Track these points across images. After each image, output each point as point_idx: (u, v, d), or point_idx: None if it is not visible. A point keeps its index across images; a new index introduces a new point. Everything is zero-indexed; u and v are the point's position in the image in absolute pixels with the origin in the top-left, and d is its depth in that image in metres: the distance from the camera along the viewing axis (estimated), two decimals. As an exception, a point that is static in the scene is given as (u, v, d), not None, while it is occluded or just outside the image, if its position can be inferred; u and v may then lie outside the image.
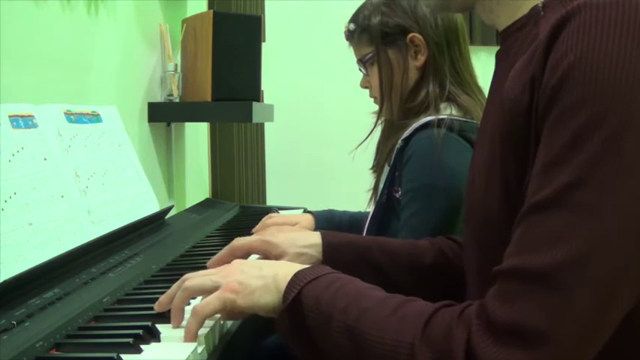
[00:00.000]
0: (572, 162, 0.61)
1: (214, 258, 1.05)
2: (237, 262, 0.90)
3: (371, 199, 1.44)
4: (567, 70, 0.63)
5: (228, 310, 0.81)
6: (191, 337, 0.78)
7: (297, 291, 0.77)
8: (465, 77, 1.36)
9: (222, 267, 0.88)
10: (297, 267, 0.82)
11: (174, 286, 0.86)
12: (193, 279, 0.84)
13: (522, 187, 0.69)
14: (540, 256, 0.61)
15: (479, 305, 0.65)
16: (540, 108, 0.66)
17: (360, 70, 1.44)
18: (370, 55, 1.38)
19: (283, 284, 0.79)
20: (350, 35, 1.42)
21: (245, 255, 1.07)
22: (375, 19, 1.36)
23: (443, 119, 1.26)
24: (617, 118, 0.60)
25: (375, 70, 1.38)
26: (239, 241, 1.07)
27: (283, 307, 0.77)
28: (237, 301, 0.80)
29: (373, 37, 1.36)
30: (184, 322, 0.81)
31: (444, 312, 0.68)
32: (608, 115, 0.60)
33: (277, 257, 1.05)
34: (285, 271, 0.81)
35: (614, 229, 0.60)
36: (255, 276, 0.82)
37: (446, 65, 1.34)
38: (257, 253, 1.08)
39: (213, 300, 0.80)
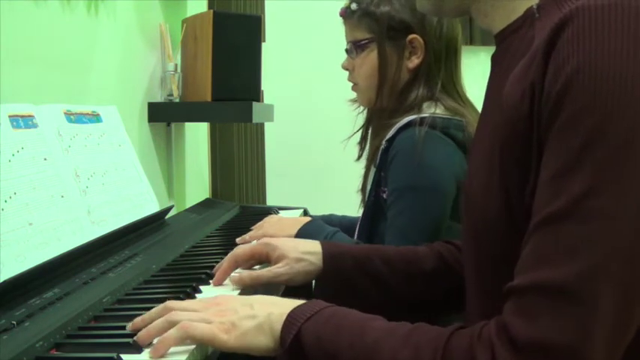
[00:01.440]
0: (582, 170, 0.61)
1: (219, 271, 1.03)
2: (226, 299, 0.84)
3: (362, 200, 1.45)
4: (570, 76, 0.62)
5: (215, 346, 0.78)
6: (164, 348, 0.74)
7: (295, 331, 0.74)
8: (455, 88, 1.35)
9: (210, 303, 0.82)
10: (291, 304, 0.79)
11: (155, 312, 0.80)
12: (181, 313, 0.78)
13: (524, 194, 0.68)
14: (559, 269, 0.60)
15: (497, 324, 0.64)
16: (544, 116, 0.65)
17: (346, 50, 1.42)
18: (366, 41, 1.36)
19: (278, 325, 0.76)
20: (348, 14, 1.39)
21: (248, 261, 1.07)
22: (384, 9, 1.34)
23: (425, 117, 1.26)
24: (625, 123, 0.60)
25: (362, 57, 1.37)
26: (240, 249, 1.06)
27: (283, 349, 0.75)
28: (229, 342, 0.76)
29: (376, 26, 1.34)
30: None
31: (460, 336, 0.66)
32: (615, 120, 0.60)
33: (277, 259, 1.04)
34: (279, 309, 0.78)
35: (630, 235, 0.60)
36: (247, 316, 0.78)
37: (439, 75, 1.33)
38: (259, 257, 1.07)
39: (204, 327, 0.76)
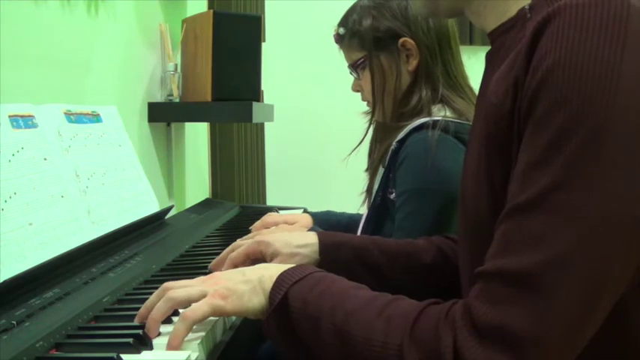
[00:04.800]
0: (552, 164, 0.62)
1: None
2: (218, 272, 0.88)
3: (365, 200, 1.44)
4: (547, 71, 0.63)
5: (217, 316, 0.82)
6: (178, 343, 0.76)
7: (283, 293, 0.77)
8: (457, 80, 1.35)
9: (204, 278, 0.86)
10: (281, 267, 0.82)
11: (154, 296, 0.83)
12: (178, 290, 0.81)
13: (507, 189, 0.69)
14: (522, 257, 0.62)
15: (463, 305, 0.65)
16: (522, 109, 0.66)
17: (351, 73, 1.43)
18: (362, 60, 1.37)
19: (269, 285, 0.79)
20: (340, 39, 1.41)
21: (245, 261, 1.06)
22: (366, 23, 1.34)
23: (437, 121, 1.26)
24: (595, 119, 0.61)
25: (366, 75, 1.37)
26: (234, 253, 1.06)
27: (270, 309, 0.77)
28: (226, 306, 0.79)
29: (365, 43, 1.35)
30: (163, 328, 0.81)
31: (431, 311, 0.68)
32: (587, 116, 0.61)
33: (271, 256, 1.04)
34: (269, 272, 0.81)
35: (594, 229, 0.61)
36: (241, 281, 0.81)
37: (438, 69, 1.33)
38: (254, 256, 1.06)
39: (202, 306, 0.78)
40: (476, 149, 0.77)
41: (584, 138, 0.61)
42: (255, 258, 1.07)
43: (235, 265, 1.05)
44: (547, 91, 0.63)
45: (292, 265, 0.82)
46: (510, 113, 0.68)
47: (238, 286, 0.81)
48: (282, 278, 0.79)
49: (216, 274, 0.86)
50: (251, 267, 0.87)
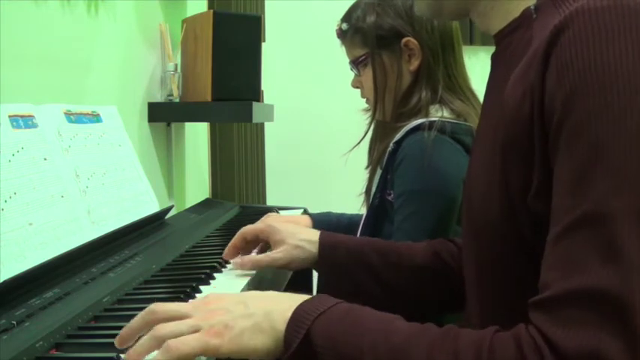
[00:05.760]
0: (600, 172, 0.60)
1: (229, 246, 1.14)
2: (216, 297, 0.75)
3: (364, 202, 1.44)
4: (575, 79, 0.62)
5: (208, 355, 0.70)
6: None
7: (304, 331, 0.68)
8: (458, 82, 1.35)
9: (199, 304, 0.74)
10: (294, 298, 0.73)
11: (140, 318, 0.72)
12: (167, 326, 0.69)
13: (527, 194, 0.68)
14: (593, 274, 0.59)
15: (540, 335, 0.60)
16: (553, 119, 0.65)
17: (351, 69, 1.43)
18: (363, 57, 1.36)
19: (281, 324, 0.70)
20: (342, 34, 1.41)
21: (254, 239, 1.15)
22: (369, 20, 1.34)
23: (434, 122, 1.26)
24: (636, 120, 0.60)
25: (367, 72, 1.37)
26: (247, 227, 1.15)
27: (291, 350, 0.68)
28: (223, 346, 0.69)
29: (367, 40, 1.35)
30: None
31: (503, 341, 0.62)
32: (627, 119, 0.60)
33: (276, 243, 1.10)
34: (279, 306, 0.71)
35: None
36: (241, 315, 0.71)
37: (439, 71, 1.33)
38: (262, 237, 1.14)
39: (192, 341, 0.67)
40: (486, 151, 0.76)
41: (629, 141, 0.60)
42: (262, 241, 1.15)
43: (244, 239, 1.13)
44: (580, 100, 0.62)
45: (303, 297, 0.73)
46: (529, 117, 0.67)
47: (238, 321, 0.70)
48: (299, 314, 0.70)
49: (212, 299, 0.74)
50: (254, 295, 0.77)
